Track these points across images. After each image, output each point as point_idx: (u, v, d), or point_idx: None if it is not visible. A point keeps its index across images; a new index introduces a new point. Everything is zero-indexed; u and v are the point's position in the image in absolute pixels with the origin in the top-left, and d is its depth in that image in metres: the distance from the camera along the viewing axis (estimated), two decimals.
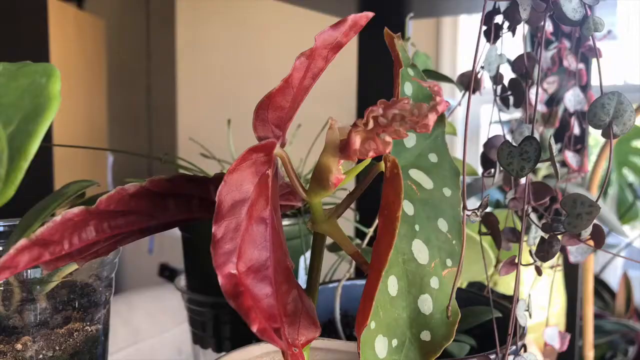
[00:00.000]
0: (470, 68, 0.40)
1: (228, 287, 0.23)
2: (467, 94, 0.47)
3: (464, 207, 0.38)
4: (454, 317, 0.32)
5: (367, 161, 0.31)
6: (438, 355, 0.31)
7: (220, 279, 0.23)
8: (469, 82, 0.47)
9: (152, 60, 2.66)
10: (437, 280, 0.32)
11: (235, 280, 0.23)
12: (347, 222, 0.57)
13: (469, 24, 2.06)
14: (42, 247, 0.26)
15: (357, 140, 0.25)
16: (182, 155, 0.63)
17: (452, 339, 0.32)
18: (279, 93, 0.29)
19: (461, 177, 0.36)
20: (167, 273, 1.94)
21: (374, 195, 0.33)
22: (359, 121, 0.24)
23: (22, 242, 0.25)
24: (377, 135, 0.24)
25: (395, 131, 0.24)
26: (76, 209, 0.27)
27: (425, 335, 0.31)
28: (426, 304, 0.32)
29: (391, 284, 0.30)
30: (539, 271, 0.40)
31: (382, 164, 0.29)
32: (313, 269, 0.30)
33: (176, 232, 0.56)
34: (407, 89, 0.35)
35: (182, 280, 0.60)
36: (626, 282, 1.14)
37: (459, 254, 0.34)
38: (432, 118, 0.23)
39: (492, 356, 0.35)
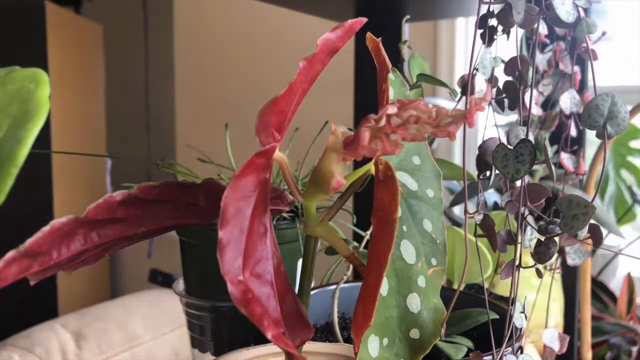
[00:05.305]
0: (467, 71, 0.40)
1: (238, 295, 0.23)
2: (463, 97, 0.47)
3: (465, 211, 0.38)
4: (440, 315, 0.32)
5: (368, 165, 0.31)
6: (427, 352, 0.31)
7: (229, 286, 0.23)
8: (465, 86, 0.47)
9: (151, 65, 2.66)
10: (424, 279, 0.33)
11: (243, 287, 0.23)
12: (345, 226, 0.58)
13: (467, 26, 2.06)
14: (30, 258, 0.25)
15: (366, 136, 0.24)
16: (181, 160, 0.63)
17: (441, 338, 0.33)
18: (283, 98, 0.29)
19: (457, 181, 0.36)
20: (159, 278, 1.92)
21: (372, 198, 0.34)
22: (372, 117, 0.24)
23: (11, 253, 0.24)
24: (385, 135, 0.24)
25: (412, 134, 0.23)
26: (64, 218, 0.26)
27: (414, 334, 0.32)
28: (414, 302, 0.32)
29: (382, 284, 0.31)
30: (539, 273, 0.40)
31: (373, 166, 0.29)
32: (305, 272, 0.30)
33: (175, 235, 0.56)
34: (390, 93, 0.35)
35: (180, 284, 0.60)
36: (629, 282, 1.12)
37: (443, 254, 0.34)
38: (459, 125, 0.23)
39: (489, 358, 0.35)
